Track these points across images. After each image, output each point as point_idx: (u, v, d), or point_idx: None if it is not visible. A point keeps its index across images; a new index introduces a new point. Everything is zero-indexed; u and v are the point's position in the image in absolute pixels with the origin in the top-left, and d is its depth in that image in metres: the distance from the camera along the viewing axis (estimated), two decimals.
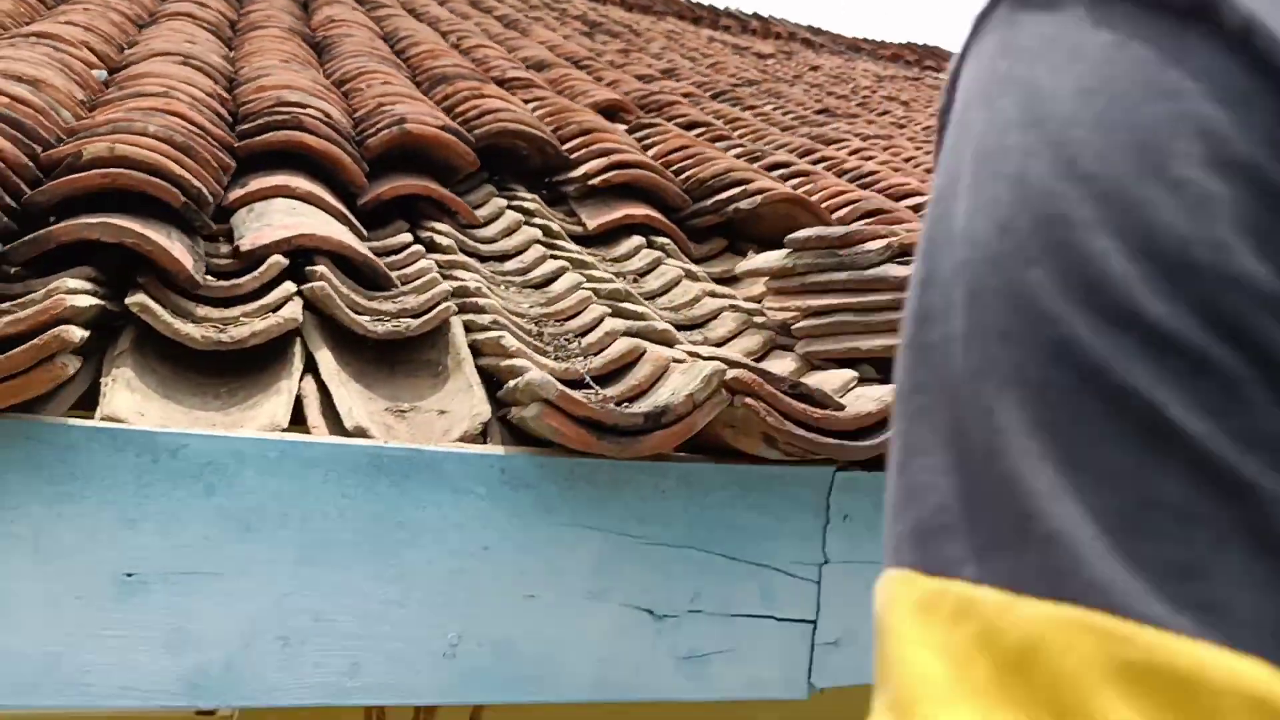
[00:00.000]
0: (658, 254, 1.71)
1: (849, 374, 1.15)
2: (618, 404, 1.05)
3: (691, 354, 1.12)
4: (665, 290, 1.58)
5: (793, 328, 1.29)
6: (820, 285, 1.27)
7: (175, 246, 1.14)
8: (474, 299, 1.30)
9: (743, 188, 1.84)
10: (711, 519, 1.12)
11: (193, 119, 1.47)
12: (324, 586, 1.00)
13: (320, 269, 1.25)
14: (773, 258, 1.37)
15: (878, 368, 1.19)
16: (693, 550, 1.12)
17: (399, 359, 1.27)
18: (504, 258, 1.63)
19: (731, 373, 1.01)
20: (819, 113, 3.35)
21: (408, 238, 1.59)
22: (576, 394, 0.99)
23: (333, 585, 1.01)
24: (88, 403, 1.04)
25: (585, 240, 1.79)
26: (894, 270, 1.16)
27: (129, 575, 0.95)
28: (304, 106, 1.68)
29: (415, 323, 1.22)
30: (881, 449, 1.03)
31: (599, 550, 1.09)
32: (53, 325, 0.92)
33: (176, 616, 0.96)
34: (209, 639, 0.97)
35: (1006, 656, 0.25)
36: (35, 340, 0.84)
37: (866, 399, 1.06)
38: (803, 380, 1.05)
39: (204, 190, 1.24)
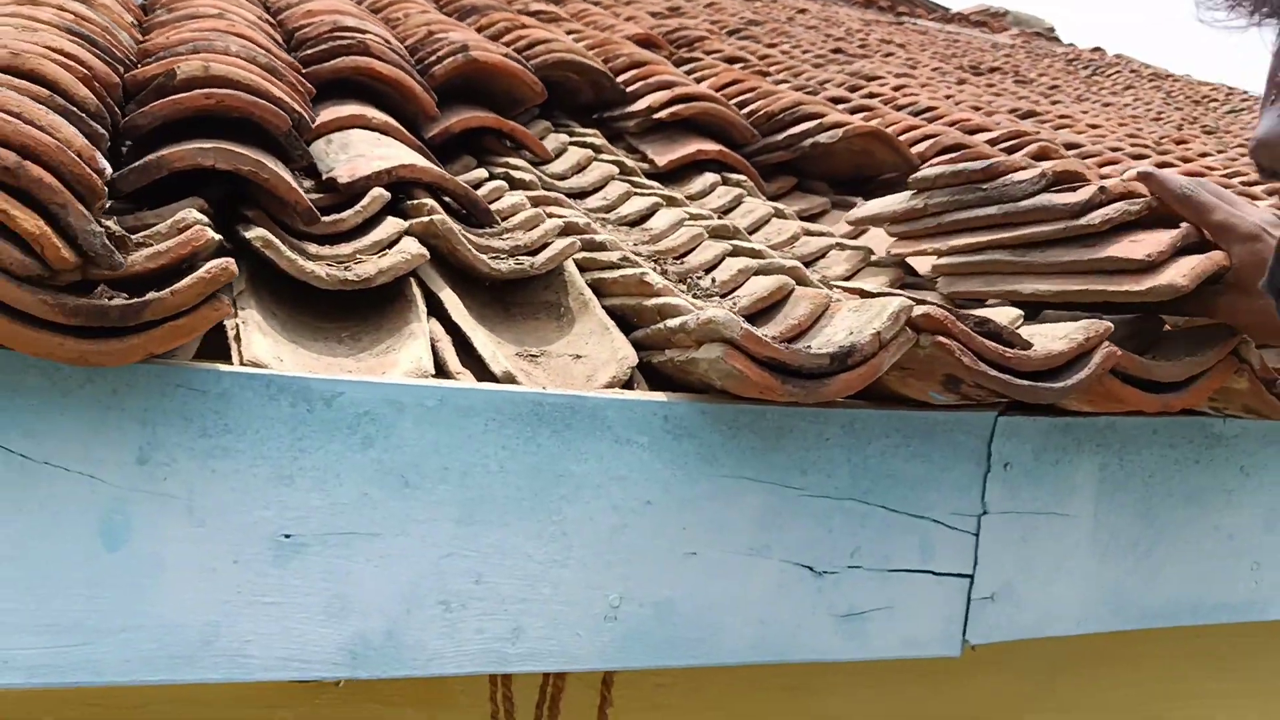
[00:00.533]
0: (738, 191, 1.62)
1: (1014, 312, 1.08)
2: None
3: (856, 291, 1.05)
4: (756, 228, 1.50)
5: (934, 263, 1.22)
6: (960, 224, 1.20)
7: (288, 176, 1.04)
8: (587, 235, 1.22)
9: (818, 121, 1.76)
10: (874, 469, 1.06)
11: (260, 41, 1.36)
12: (484, 546, 0.93)
13: (430, 202, 1.16)
14: (893, 201, 1.30)
15: (1035, 312, 1.13)
16: (854, 502, 1.06)
17: (514, 300, 1.18)
18: (583, 194, 1.54)
19: (919, 309, 0.94)
20: (834, 52, 3.26)
21: (482, 173, 1.49)
22: (759, 332, 0.91)
23: (493, 544, 0.93)
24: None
25: (655, 178, 1.70)
26: (1056, 199, 1.10)
27: (287, 537, 0.86)
28: (363, 31, 1.56)
29: (538, 260, 1.13)
30: (1083, 388, 0.97)
31: (761, 503, 1.02)
32: (193, 259, 0.82)
33: (336, 581, 0.88)
34: (369, 605, 0.89)
35: None
36: (201, 273, 0.75)
37: (1050, 337, 1.00)
38: (991, 320, 0.98)
39: (305, 116, 1.13)
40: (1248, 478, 1.29)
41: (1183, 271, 1.03)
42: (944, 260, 1.20)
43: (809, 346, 0.94)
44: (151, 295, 0.74)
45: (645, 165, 1.71)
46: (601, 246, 1.19)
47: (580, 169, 1.61)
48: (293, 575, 0.87)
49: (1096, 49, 6.87)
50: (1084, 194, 1.09)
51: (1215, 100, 5.81)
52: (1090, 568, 1.20)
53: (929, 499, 1.09)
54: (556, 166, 1.62)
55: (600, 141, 1.74)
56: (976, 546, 1.12)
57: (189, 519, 0.84)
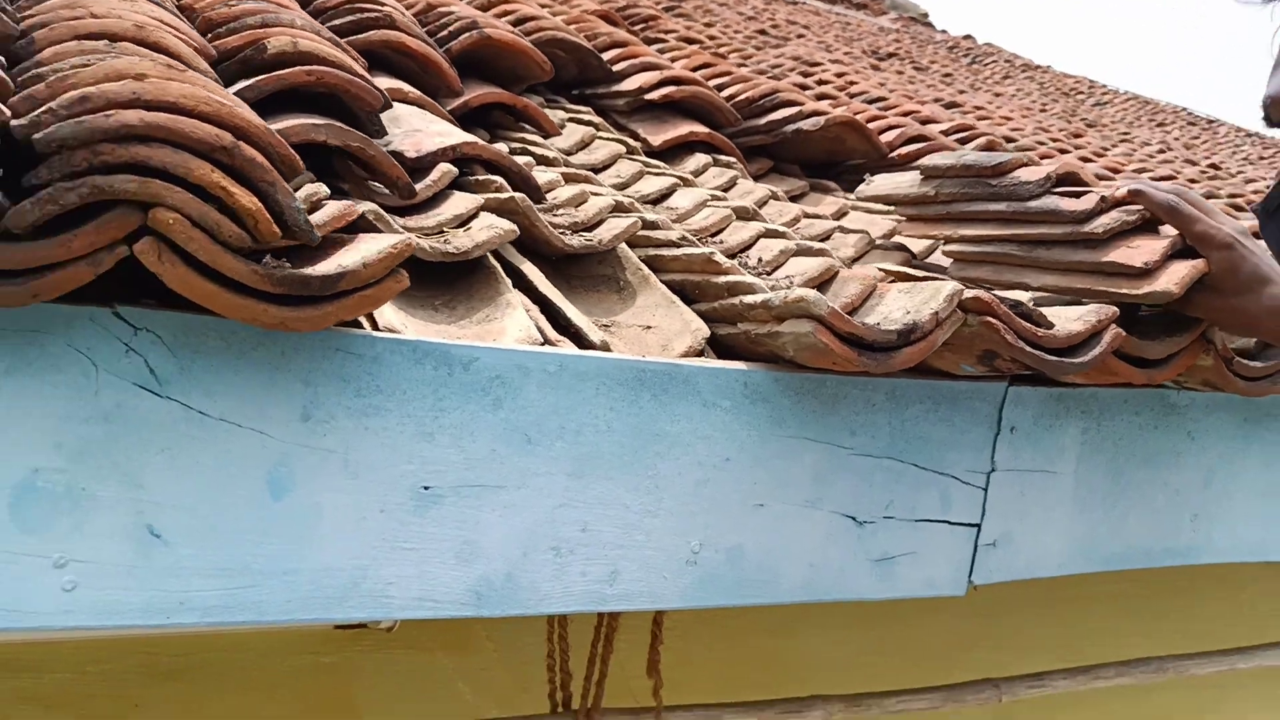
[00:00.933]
0: (732, 173, 1.73)
1: (1025, 295, 1.23)
2: None
3: (899, 274, 1.18)
4: (759, 209, 1.62)
5: (944, 249, 1.36)
6: (970, 215, 1.34)
7: (386, 153, 1.10)
8: (637, 214, 1.31)
9: (798, 109, 1.88)
10: (909, 431, 1.19)
11: (298, 12, 1.39)
12: (590, 497, 1.02)
13: (499, 179, 1.23)
14: (902, 183, 1.43)
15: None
16: (891, 460, 1.19)
17: (572, 274, 1.27)
18: (595, 171, 1.62)
19: (969, 293, 1.08)
20: (759, 33, 3.39)
21: (502, 148, 1.55)
22: (842, 310, 1.03)
23: (598, 496, 1.03)
24: None
25: (650, 157, 1.80)
26: (1063, 204, 1.25)
27: (426, 489, 0.94)
28: (381, 4, 1.60)
29: (604, 236, 1.22)
30: (1092, 364, 1.13)
31: (817, 461, 1.14)
32: (349, 231, 0.89)
33: (466, 529, 0.97)
34: (493, 550, 0.98)
35: None
36: (389, 247, 0.82)
37: (1067, 319, 1.15)
38: (1024, 303, 1.13)
39: (384, 93, 1.19)
40: (1193, 441, 1.49)
41: (1174, 279, 1.18)
42: (954, 247, 1.34)
43: (879, 324, 1.06)
44: (347, 267, 0.81)
45: (639, 144, 1.80)
46: (654, 225, 1.29)
47: (585, 145, 1.69)
48: (430, 523, 0.95)
49: (967, 36, 7.15)
50: (1088, 202, 1.24)
51: (1081, 93, 6.18)
52: (1070, 518, 1.37)
53: (951, 458, 1.23)
54: (562, 143, 1.69)
55: (597, 119, 1.82)
56: (985, 500, 1.27)
57: (344, 472, 0.91)
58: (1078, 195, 1.26)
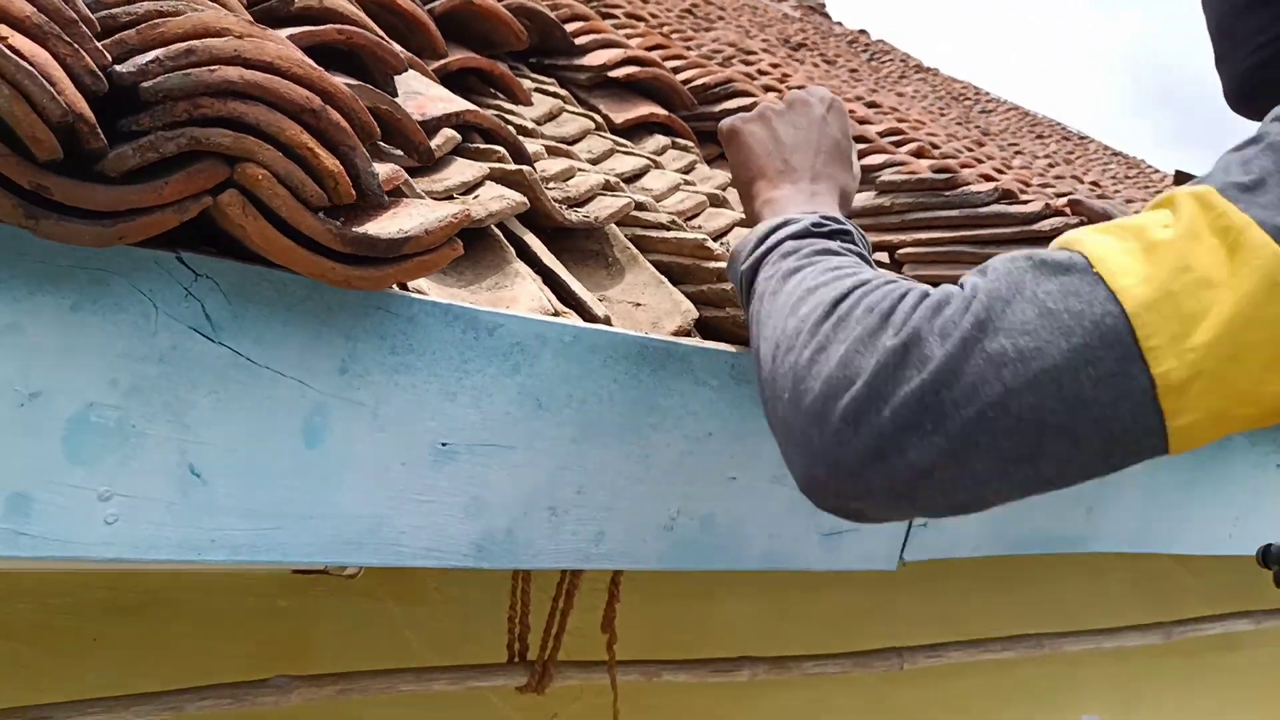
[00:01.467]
0: (690, 156, 1.81)
1: None
2: None
3: None
4: None
5: (899, 252, 1.47)
6: (924, 222, 1.45)
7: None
8: (627, 195, 1.37)
9: (752, 100, 1.97)
10: None
11: None
12: (588, 462, 1.09)
13: (501, 149, 1.28)
14: (861, 198, 1.53)
15: None
16: None
17: (562, 247, 1.32)
18: (565, 143, 1.67)
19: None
20: (687, 12, 3.45)
21: (491, 115, 1.59)
22: None
23: (595, 461, 1.10)
24: None
25: (612, 134, 1.85)
26: (1011, 209, 1.37)
27: (444, 445, 0.99)
28: None
29: (602, 214, 1.28)
30: None
31: None
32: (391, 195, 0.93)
33: (476, 485, 1.02)
34: (498, 506, 1.04)
35: (1227, 236, 0.64)
36: (450, 216, 0.87)
37: None
38: None
39: (401, 53, 1.21)
40: None
41: None
42: (909, 250, 1.45)
43: None
44: (409, 232, 0.85)
45: (602, 121, 1.86)
46: (643, 207, 1.35)
47: (553, 118, 1.74)
48: (444, 478, 1.01)
49: (863, 31, 7.34)
50: (1035, 206, 1.37)
51: (968, 99, 6.44)
52: None
53: None
54: (532, 113, 1.73)
55: (564, 92, 1.86)
56: None
57: (373, 424, 0.95)
58: (1024, 202, 1.39)
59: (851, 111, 2.32)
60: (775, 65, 2.69)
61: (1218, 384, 0.64)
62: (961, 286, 0.73)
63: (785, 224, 0.96)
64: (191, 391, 0.86)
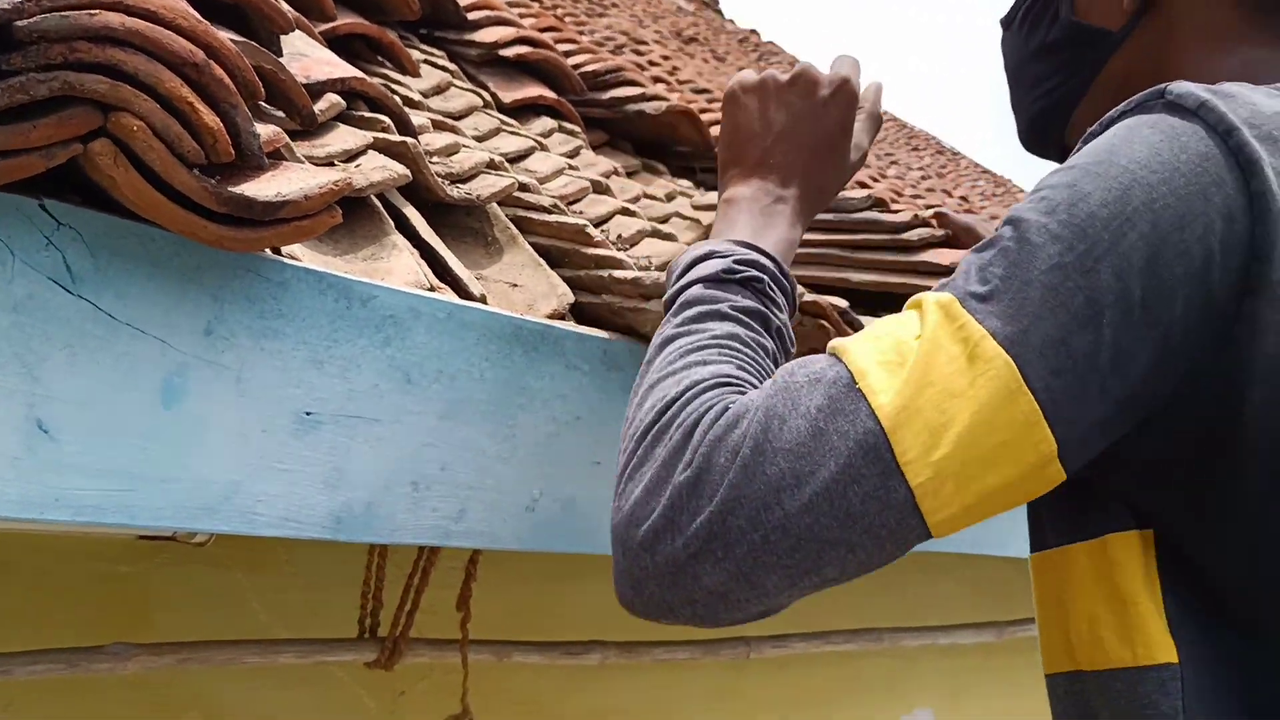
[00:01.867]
0: (576, 141, 1.81)
1: (842, 302, 1.39)
2: None
3: None
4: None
5: None
6: None
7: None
8: (511, 175, 1.37)
9: (641, 90, 1.98)
10: None
11: None
12: (454, 440, 1.09)
13: (386, 119, 1.26)
14: None
15: (859, 301, 1.45)
16: None
17: (441, 223, 1.31)
18: (451, 118, 1.66)
19: (809, 296, 1.22)
20: None
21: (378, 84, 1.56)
22: None
23: (461, 439, 1.10)
24: None
25: (499, 113, 1.84)
26: (882, 217, 1.42)
27: (308, 414, 0.98)
28: None
29: (485, 193, 1.28)
30: None
31: None
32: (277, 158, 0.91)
33: (338, 456, 1.01)
34: (359, 479, 1.03)
35: (966, 346, 0.72)
36: (331, 183, 0.86)
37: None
38: (849, 310, 1.28)
39: (289, 13, 1.18)
40: None
41: None
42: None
43: None
44: (288, 196, 0.84)
45: (490, 98, 1.85)
46: (526, 188, 1.35)
47: (440, 91, 1.72)
48: (305, 447, 0.99)
49: (754, 31, 7.43)
50: (904, 216, 1.42)
51: None
52: None
53: None
54: (419, 85, 1.71)
55: (452, 66, 1.84)
56: None
57: (235, 388, 0.93)
58: (894, 211, 1.44)
59: None
60: (666, 57, 2.71)
61: (966, 482, 0.71)
62: (758, 391, 0.78)
63: (707, 259, 0.98)
64: (45, 344, 0.83)
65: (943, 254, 1.40)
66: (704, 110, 2.16)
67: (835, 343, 0.79)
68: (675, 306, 0.95)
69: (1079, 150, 0.81)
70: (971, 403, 0.70)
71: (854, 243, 1.44)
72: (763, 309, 0.95)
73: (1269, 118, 0.78)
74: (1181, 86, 0.80)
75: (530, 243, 1.30)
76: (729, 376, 0.83)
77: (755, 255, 0.98)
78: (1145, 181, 0.74)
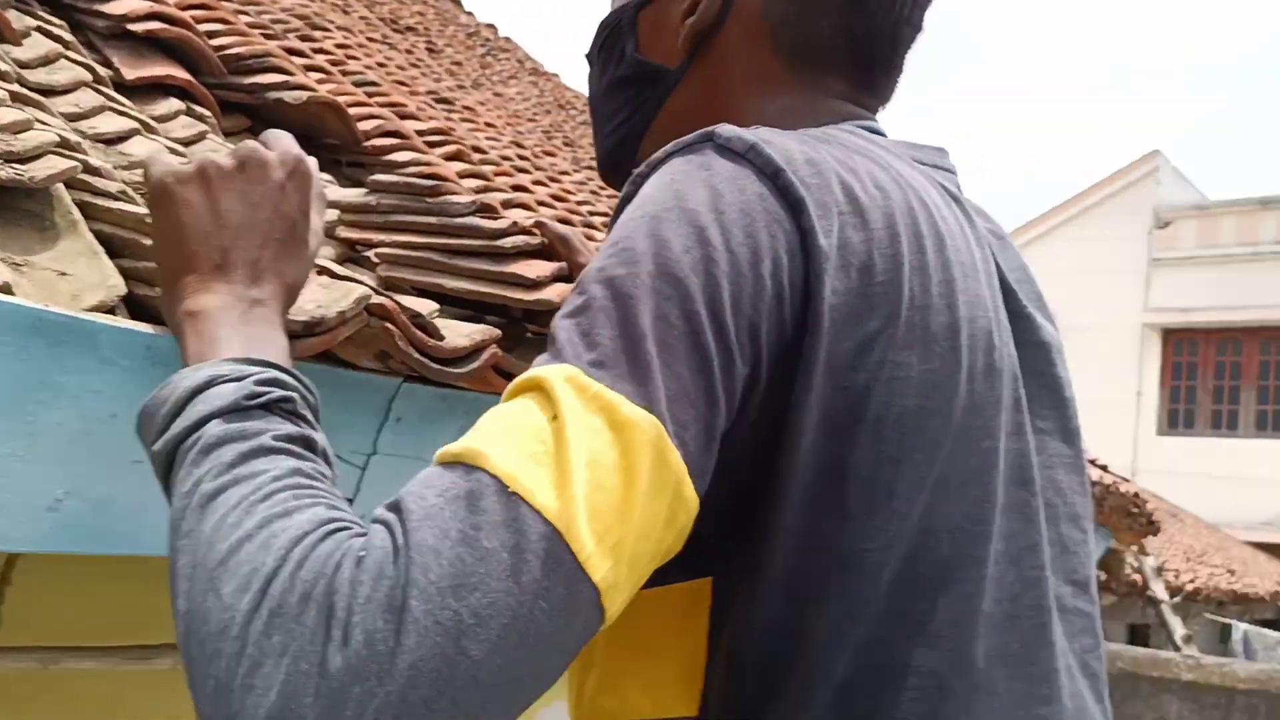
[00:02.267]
0: (203, 126, 1.76)
1: (432, 305, 1.42)
2: None
3: (323, 269, 1.31)
4: None
5: (376, 251, 1.52)
6: (404, 224, 1.51)
7: None
8: (81, 156, 1.32)
9: (285, 79, 1.95)
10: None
11: None
12: None
13: None
14: (352, 194, 1.57)
15: (457, 304, 1.48)
16: None
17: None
18: (51, 93, 1.57)
19: (377, 299, 1.24)
20: None
21: None
22: None
23: None
24: None
25: (118, 88, 1.76)
26: (482, 223, 1.46)
27: None
28: None
29: (38, 175, 1.22)
30: (472, 375, 1.34)
31: None
32: None
33: None
34: None
35: (607, 414, 0.69)
36: None
37: (459, 334, 1.35)
38: (423, 314, 1.31)
39: None
40: None
41: (557, 292, 1.45)
42: (385, 250, 1.51)
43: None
44: None
45: (111, 74, 1.76)
46: (97, 172, 1.30)
47: (48, 63, 1.62)
48: None
49: (491, 26, 7.29)
50: (502, 224, 1.47)
51: (576, 108, 6.65)
52: None
53: (338, 438, 1.39)
54: (22, 54, 1.61)
55: (70, 37, 1.75)
56: (361, 479, 1.45)
57: None
58: (496, 218, 1.49)
59: (401, 106, 2.36)
60: (343, 45, 2.67)
61: (635, 559, 0.67)
62: (388, 527, 0.66)
63: (209, 386, 0.83)
64: None
65: (532, 265, 1.46)
66: (360, 103, 2.15)
67: (453, 450, 0.70)
68: (192, 454, 0.79)
69: (631, 191, 0.83)
70: (628, 473, 0.66)
71: (452, 248, 1.47)
72: (305, 433, 0.83)
73: (801, 164, 0.83)
74: (729, 130, 0.84)
75: (93, 230, 1.25)
76: (331, 520, 0.69)
77: (272, 372, 0.85)
78: (717, 223, 0.76)
